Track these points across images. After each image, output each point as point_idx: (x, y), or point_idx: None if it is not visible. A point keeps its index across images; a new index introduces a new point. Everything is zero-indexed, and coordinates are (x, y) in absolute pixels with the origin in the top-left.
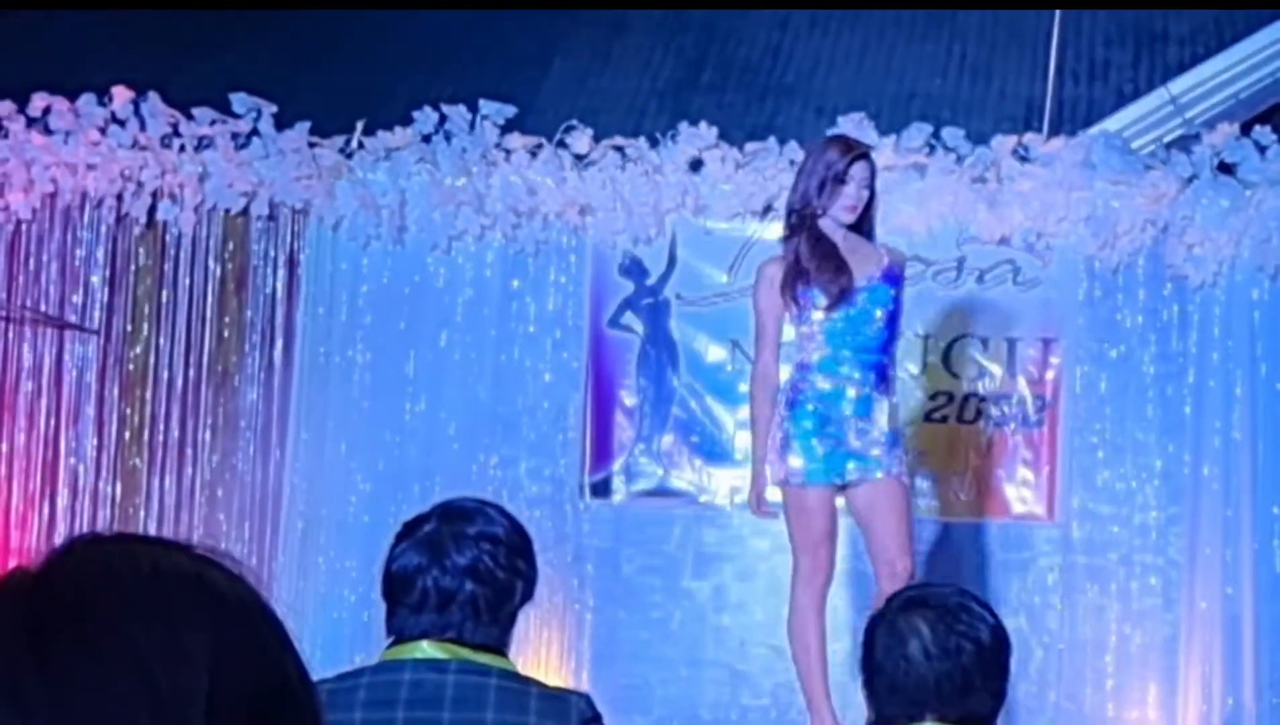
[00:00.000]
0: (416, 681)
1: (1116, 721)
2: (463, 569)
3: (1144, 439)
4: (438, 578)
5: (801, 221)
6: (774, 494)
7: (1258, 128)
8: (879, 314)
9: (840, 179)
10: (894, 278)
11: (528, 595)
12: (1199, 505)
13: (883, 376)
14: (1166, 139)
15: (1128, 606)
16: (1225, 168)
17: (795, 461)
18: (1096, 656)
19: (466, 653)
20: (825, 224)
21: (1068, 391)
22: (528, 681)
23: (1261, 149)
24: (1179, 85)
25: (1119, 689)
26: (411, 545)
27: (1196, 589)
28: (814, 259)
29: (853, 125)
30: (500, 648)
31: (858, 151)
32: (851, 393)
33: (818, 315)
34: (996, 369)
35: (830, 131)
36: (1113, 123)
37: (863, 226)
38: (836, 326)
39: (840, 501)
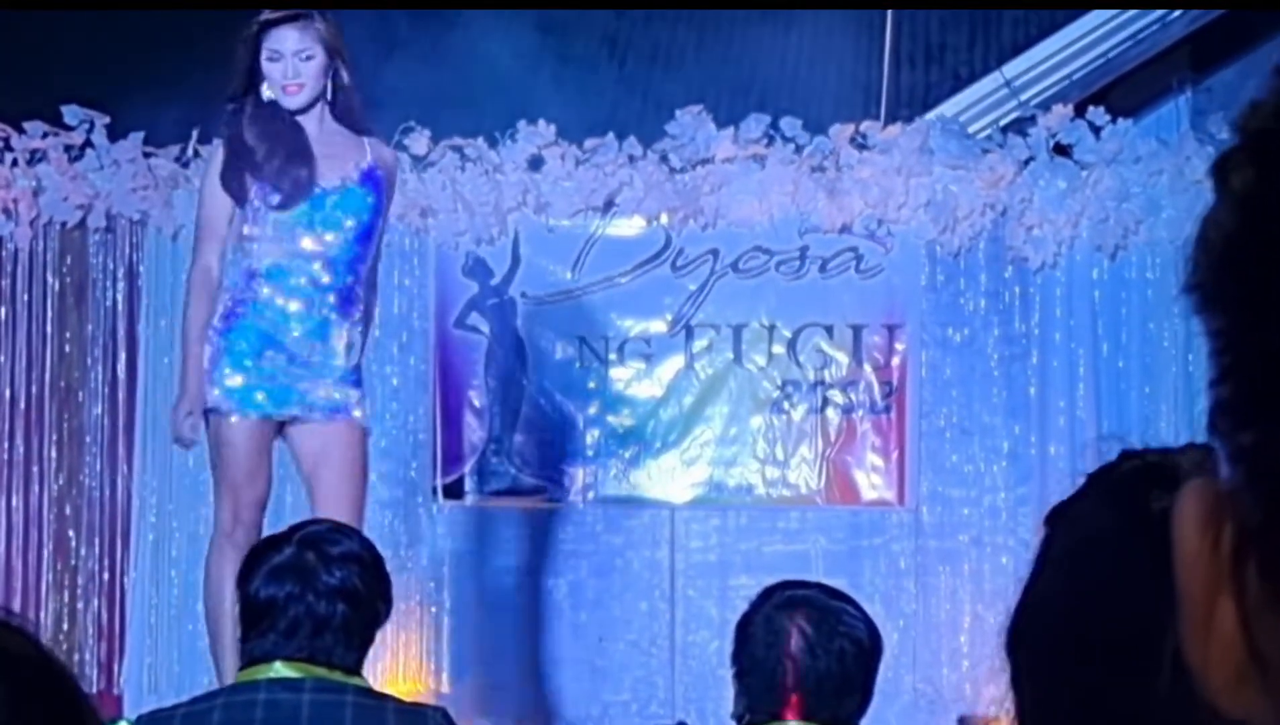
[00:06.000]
0: (272, 701)
1: (974, 701)
2: (335, 594)
3: (990, 421)
4: (312, 603)
5: (234, 109)
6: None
7: (1092, 108)
8: (349, 223)
9: (255, 53)
10: (374, 181)
11: (387, 615)
12: (1047, 484)
13: (348, 299)
14: (1002, 122)
15: (980, 587)
16: (1061, 149)
17: (229, 384)
18: (951, 638)
19: (321, 671)
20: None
21: (914, 376)
22: (384, 698)
23: (1096, 129)
24: (1013, 68)
25: (975, 669)
26: (274, 573)
27: None
28: (263, 143)
29: (691, 118)
30: (356, 667)
31: (275, 17)
32: (302, 311)
33: (270, 214)
34: (842, 357)
35: None
36: (949, 107)
37: (342, 114)
38: (292, 230)
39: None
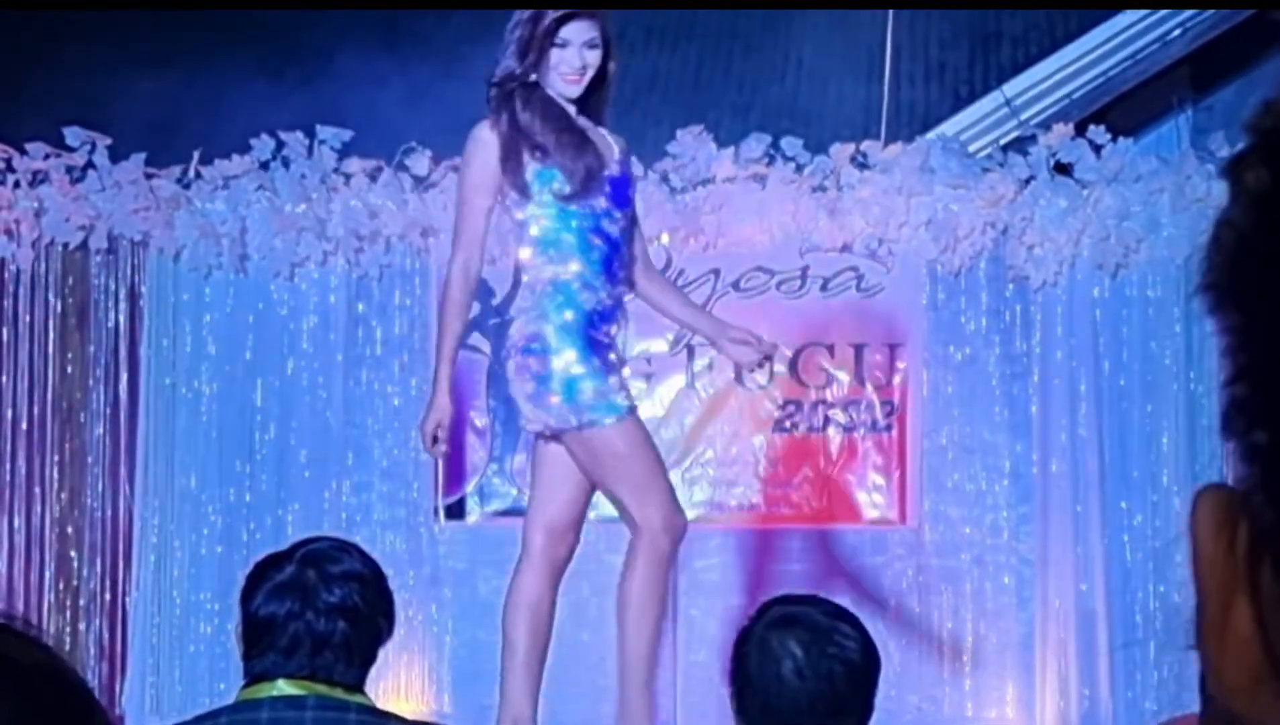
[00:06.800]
0: (275, 720)
1: (976, 721)
2: (334, 610)
3: (992, 439)
4: (312, 621)
5: (508, 93)
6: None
7: (1092, 127)
8: (618, 212)
9: (551, 37)
10: (628, 168)
11: (389, 633)
12: (1049, 503)
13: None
14: (1003, 141)
15: (982, 606)
16: (1062, 168)
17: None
18: (954, 657)
19: (323, 688)
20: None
21: (915, 395)
22: (387, 716)
23: (1097, 148)
24: (1013, 87)
25: (977, 688)
26: (275, 590)
27: (1050, 586)
28: (549, 129)
29: (691, 138)
30: (359, 685)
31: (571, 11)
32: (611, 305)
33: (552, 207)
34: (844, 376)
35: None
36: (949, 126)
37: (592, 110)
38: (580, 220)
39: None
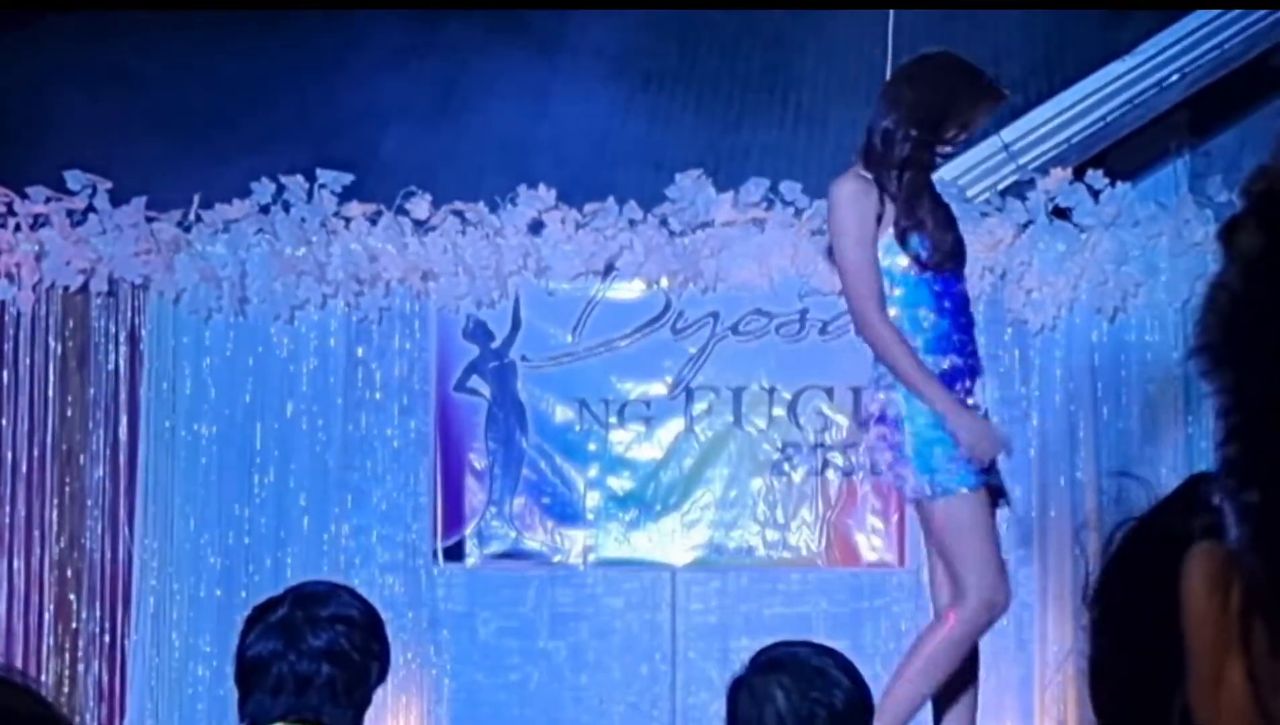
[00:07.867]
0: None
1: None
2: (319, 652)
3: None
4: (294, 662)
5: (910, 153)
6: None
7: (1090, 171)
8: (964, 274)
9: (967, 126)
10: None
11: (382, 676)
12: (1047, 546)
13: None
14: (1001, 185)
15: (981, 649)
16: (1060, 212)
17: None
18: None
19: None
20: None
21: None
22: None
23: (1095, 192)
24: (1011, 132)
25: None
26: (264, 631)
27: (1049, 629)
28: (928, 202)
29: (690, 181)
30: None
31: (997, 102)
32: (959, 367)
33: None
34: (843, 419)
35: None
36: (948, 171)
37: None
38: (934, 284)
39: None
